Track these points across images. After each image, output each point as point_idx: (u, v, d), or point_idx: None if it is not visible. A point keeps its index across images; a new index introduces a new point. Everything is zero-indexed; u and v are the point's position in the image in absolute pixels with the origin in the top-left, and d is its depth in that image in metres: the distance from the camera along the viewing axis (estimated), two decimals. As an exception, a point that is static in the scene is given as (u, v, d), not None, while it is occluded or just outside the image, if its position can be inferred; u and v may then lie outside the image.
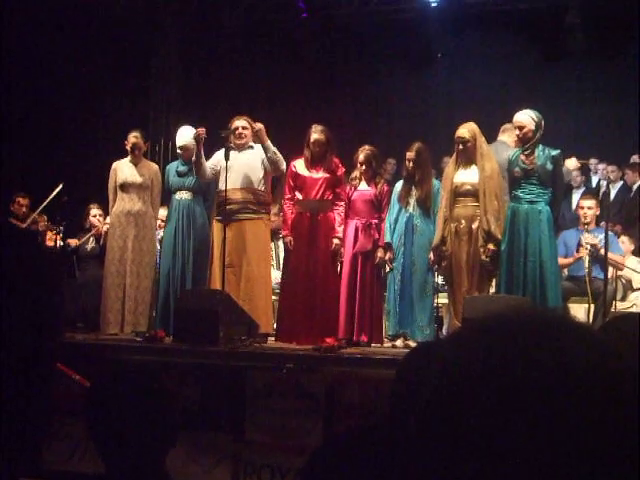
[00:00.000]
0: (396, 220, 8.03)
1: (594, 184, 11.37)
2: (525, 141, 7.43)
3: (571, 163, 8.95)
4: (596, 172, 11.55)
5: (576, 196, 10.82)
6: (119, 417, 2.37)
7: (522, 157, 7.43)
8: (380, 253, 8.04)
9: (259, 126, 8.21)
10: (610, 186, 10.31)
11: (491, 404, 0.84)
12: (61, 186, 9.41)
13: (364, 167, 8.19)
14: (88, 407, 2.46)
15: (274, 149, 8.18)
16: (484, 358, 0.87)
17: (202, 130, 8.29)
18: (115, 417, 2.38)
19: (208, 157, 8.40)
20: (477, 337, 0.91)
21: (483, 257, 7.48)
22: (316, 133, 8.20)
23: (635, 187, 10.76)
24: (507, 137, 8.50)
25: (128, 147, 8.82)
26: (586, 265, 8.21)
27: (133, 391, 2.42)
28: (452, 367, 0.90)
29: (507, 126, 8.47)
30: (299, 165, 8.27)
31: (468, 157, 7.62)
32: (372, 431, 1.98)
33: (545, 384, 0.83)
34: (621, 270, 8.55)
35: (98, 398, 2.46)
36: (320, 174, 8.19)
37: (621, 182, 11.00)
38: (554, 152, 7.43)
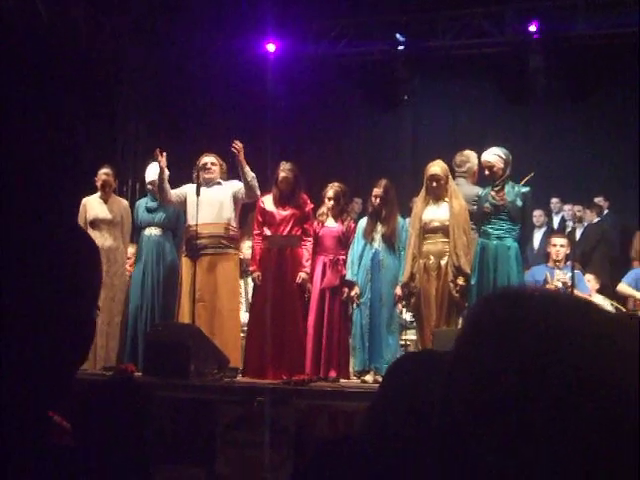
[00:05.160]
0: (361, 256, 8.05)
1: (555, 224, 11.56)
2: (495, 179, 7.55)
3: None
4: (558, 212, 11.75)
5: (537, 235, 11.00)
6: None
7: (492, 193, 7.54)
8: (346, 289, 8.08)
9: (239, 145, 8.06)
10: (576, 225, 10.51)
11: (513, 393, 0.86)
12: None
13: (332, 203, 8.24)
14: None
15: (253, 174, 8.19)
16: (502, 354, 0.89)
17: (157, 150, 8.18)
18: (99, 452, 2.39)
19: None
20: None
21: (453, 292, 7.55)
22: (284, 172, 8.24)
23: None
24: (465, 173, 8.42)
25: (98, 184, 8.71)
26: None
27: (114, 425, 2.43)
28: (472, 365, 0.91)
29: (461, 160, 8.41)
30: (267, 201, 8.31)
31: (438, 194, 7.71)
32: (350, 442, 1.98)
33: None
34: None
35: (82, 437, 2.47)
36: (288, 210, 8.22)
37: (586, 222, 11.21)
38: (524, 189, 7.55)
